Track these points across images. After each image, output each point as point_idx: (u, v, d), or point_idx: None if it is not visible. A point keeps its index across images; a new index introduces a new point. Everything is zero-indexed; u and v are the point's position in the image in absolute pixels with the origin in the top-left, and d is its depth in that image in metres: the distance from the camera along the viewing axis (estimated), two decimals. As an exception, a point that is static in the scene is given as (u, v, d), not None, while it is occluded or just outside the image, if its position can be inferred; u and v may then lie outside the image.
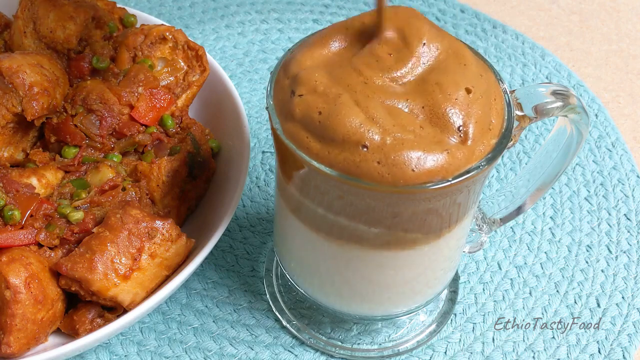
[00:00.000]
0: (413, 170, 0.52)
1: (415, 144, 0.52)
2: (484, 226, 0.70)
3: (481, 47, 1.01)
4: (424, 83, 0.55)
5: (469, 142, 0.53)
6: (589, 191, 0.85)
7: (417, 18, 0.58)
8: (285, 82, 0.57)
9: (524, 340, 0.71)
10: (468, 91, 0.55)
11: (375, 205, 0.55)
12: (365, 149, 0.52)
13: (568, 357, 0.71)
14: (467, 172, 0.53)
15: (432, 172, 0.52)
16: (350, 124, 0.53)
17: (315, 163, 0.53)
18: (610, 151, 0.89)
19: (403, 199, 0.54)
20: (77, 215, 0.65)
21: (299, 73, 0.56)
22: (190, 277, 0.73)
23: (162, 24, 0.79)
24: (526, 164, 0.87)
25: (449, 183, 0.53)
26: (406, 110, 0.54)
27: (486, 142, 0.54)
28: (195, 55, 0.78)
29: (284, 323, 0.71)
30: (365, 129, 0.52)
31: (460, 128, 0.54)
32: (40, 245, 0.64)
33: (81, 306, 0.65)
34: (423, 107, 0.54)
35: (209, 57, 0.80)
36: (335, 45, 0.59)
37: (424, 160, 0.52)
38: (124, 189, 0.68)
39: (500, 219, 0.69)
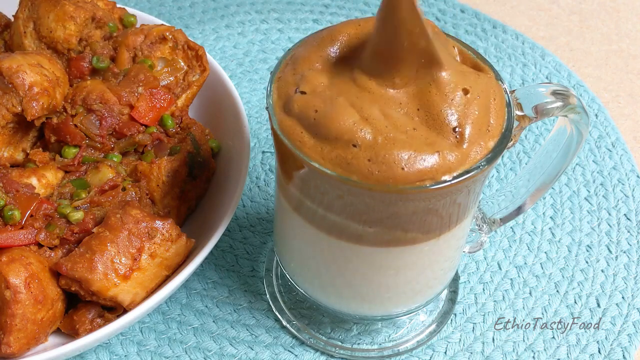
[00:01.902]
0: (403, 169, 0.52)
1: (407, 144, 0.52)
2: (484, 226, 0.70)
3: (481, 47, 1.01)
4: (420, 85, 0.55)
5: (465, 144, 0.53)
6: (589, 191, 0.85)
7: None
8: (290, 77, 0.57)
9: (524, 340, 0.71)
10: (465, 92, 0.55)
11: (374, 204, 0.55)
12: (356, 148, 0.52)
13: (568, 357, 0.71)
14: (467, 172, 0.53)
15: (422, 172, 0.52)
16: (344, 123, 0.53)
17: (308, 160, 0.54)
18: (610, 151, 0.89)
19: (401, 199, 0.54)
20: (77, 215, 0.65)
21: (304, 73, 0.57)
22: (190, 277, 0.73)
23: (162, 24, 0.79)
24: (526, 164, 0.87)
25: (449, 183, 0.53)
26: (401, 112, 0.54)
27: (483, 144, 0.54)
28: (195, 55, 0.78)
29: (284, 323, 0.71)
30: (358, 128, 0.53)
31: (456, 129, 0.54)
32: (40, 245, 0.65)
33: (81, 306, 0.65)
34: (418, 109, 0.54)
35: (209, 57, 0.80)
36: (344, 43, 0.59)
37: (414, 160, 0.52)
38: (124, 189, 0.68)
39: (500, 219, 0.69)
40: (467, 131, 0.54)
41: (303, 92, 0.55)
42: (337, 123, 0.53)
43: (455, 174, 0.53)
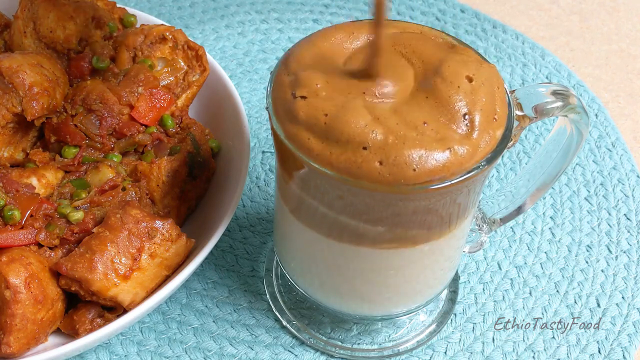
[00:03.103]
0: (414, 170, 0.52)
1: (417, 142, 0.52)
2: (484, 226, 0.70)
3: (481, 47, 1.01)
4: (424, 76, 0.55)
5: (475, 133, 0.53)
6: (589, 191, 0.85)
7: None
8: (285, 79, 0.57)
9: (524, 340, 0.71)
10: (469, 79, 0.55)
11: (375, 205, 0.55)
12: (366, 150, 0.52)
13: (568, 357, 0.71)
14: (468, 172, 0.53)
15: (433, 171, 0.52)
16: (356, 125, 0.52)
17: (315, 164, 0.53)
18: (610, 151, 0.89)
19: (403, 199, 0.54)
20: (77, 215, 0.65)
21: (298, 73, 0.56)
22: (190, 277, 0.73)
23: (162, 24, 0.79)
24: (526, 164, 0.87)
25: (449, 183, 0.53)
26: (411, 104, 0.54)
27: (492, 133, 0.54)
28: (195, 55, 0.78)
29: (284, 323, 0.71)
30: (370, 129, 0.52)
31: (466, 116, 0.53)
32: (40, 245, 0.64)
33: (81, 306, 0.65)
34: (427, 97, 0.54)
35: (209, 57, 0.80)
36: (337, 43, 0.59)
37: (425, 159, 0.52)
38: (124, 189, 0.68)
39: (500, 219, 0.69)
40: (477, 118, 0.54)
41: (303, 97, 0.55)
42: (350, 125, 0.53)
43: (458, 174, 0.53)
